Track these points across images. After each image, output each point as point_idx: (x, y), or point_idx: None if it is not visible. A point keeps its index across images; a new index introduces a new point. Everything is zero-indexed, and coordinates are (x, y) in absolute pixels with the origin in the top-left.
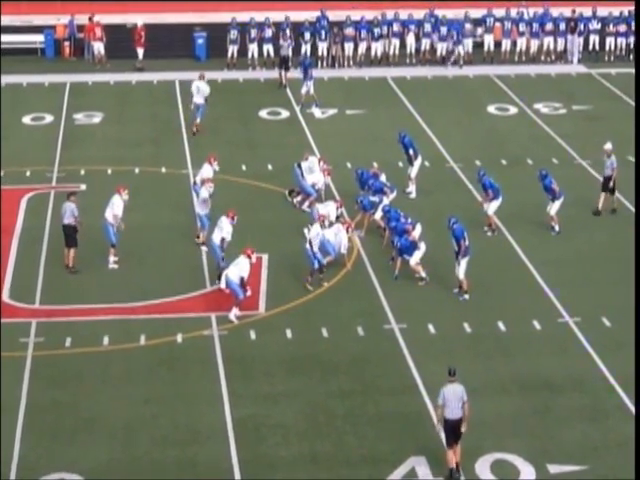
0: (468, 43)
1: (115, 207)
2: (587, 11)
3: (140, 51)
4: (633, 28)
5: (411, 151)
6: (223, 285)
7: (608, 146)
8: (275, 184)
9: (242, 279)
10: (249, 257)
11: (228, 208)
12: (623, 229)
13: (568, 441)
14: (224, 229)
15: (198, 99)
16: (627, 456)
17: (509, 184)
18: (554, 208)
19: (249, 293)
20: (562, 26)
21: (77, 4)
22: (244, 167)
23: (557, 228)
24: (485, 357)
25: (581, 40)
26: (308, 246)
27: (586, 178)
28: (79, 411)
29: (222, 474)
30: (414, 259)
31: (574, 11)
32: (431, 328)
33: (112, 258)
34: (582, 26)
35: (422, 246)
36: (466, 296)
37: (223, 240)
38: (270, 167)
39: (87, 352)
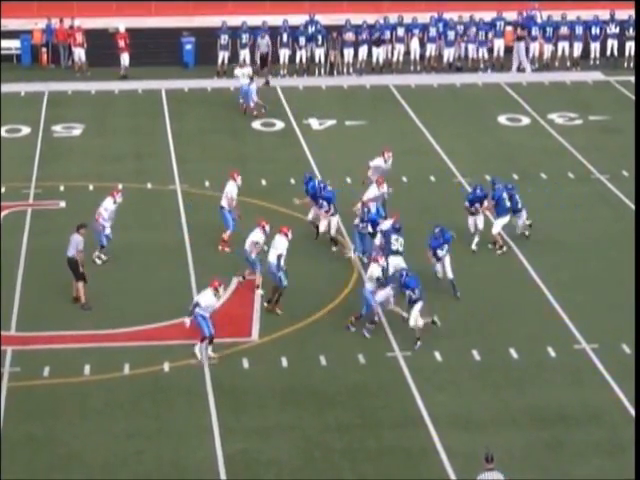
0: (483, 49)
1: (103, 210)
2: (604, 14)
3: (125, 57)
4: None
5: (324, 204)
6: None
7: None
8: (269, 201)
9: (207, 316)
10: (216, 290)
11: (218, 227)
12: None
13: (583, 476)
14: (279, 247)
15: (244, 80)
16: None
17: (521, 200)
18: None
19: (213, 331)
20: (579, 30)
21: (55, 4)
22: None
23: (498, 249)
24: (495, 387)
25: (597, 45)
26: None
27: (604, 193)
28: (56, 447)
29: None
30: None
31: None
32: (437, 356)
33: (97, 253)
34: (598, 30)
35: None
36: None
37: (280, 257)
38: (264, 182)
39: (66, 382)
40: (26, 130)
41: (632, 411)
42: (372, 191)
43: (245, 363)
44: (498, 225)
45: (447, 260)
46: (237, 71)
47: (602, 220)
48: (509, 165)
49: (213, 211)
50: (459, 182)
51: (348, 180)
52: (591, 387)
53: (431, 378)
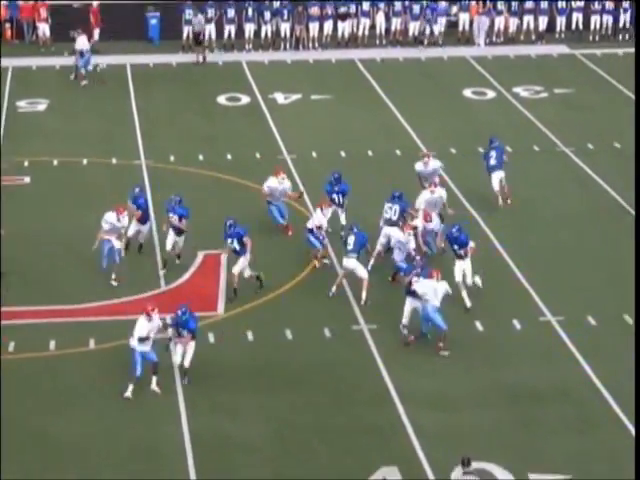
0: (442, 22)
1: (104, 222)
2: None
3: (96, 32)
4: (623, 5)
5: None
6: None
7: None
8: (235, 175)
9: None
10: (148, 316)
11: (185, 201)
12: (611, 225)
13: (552, 452)
14: (315, 219)
15: (84, 47)
16: (616, 467)
17: (486, 174)
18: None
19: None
20: (544, 4)
21: None
22: (201, 157)
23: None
24: (463, 362)
25: (563, 19)
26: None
27: (570, 167)
28: (24, 426)
29: None
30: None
31: None
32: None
33: (113, 276)
34: (564, 3)
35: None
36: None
37: (318, 228)
38: (229, 157)
39: (32, 357)
40: None
41: (600, 386)
42: (423, 196)
43: (211, 338)
44: (495, 180)
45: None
46: (78, 39)
47: (568, 193)
48: (474, 138)
49: (177, 185)
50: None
51: (314, 154)
52: (558, 361)
53: (399, 353)
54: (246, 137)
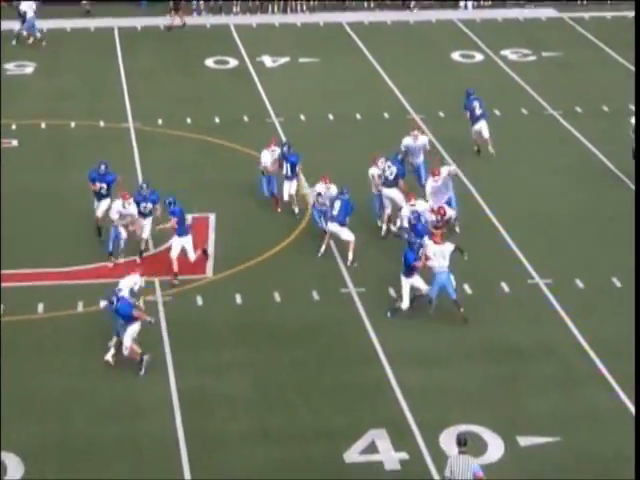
0: None
1: (113, 212)
2: None
3: None
4: None
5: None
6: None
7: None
8: (223, 138)
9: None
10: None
11: (173, 164)
12: (599, 188)
13: (538, 412)
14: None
15: (29, 13)
16: (601, 427)
17: (470, 124)
18: None
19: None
20: None
21: None
22: (189, 120)
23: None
24: (450, 322)
25: None
26: None
27: (557, 130)
28: (11, 385)
29: (166, 451)
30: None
31: None
32: (392, 292)
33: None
34: None
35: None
36: None
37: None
38: (217, 120)
39: (20, 320)
40: None
41: (586, 346)
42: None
43: (199, 300)
44: (485, 130)
45: None
46: (23, 4)
47: (556, 156)
48: (462, 101)
49: (166, 148)
50: (412, 119)
51: (302, 117)
52: (545, 322)
53: (385, 314)
54: (234, 100)
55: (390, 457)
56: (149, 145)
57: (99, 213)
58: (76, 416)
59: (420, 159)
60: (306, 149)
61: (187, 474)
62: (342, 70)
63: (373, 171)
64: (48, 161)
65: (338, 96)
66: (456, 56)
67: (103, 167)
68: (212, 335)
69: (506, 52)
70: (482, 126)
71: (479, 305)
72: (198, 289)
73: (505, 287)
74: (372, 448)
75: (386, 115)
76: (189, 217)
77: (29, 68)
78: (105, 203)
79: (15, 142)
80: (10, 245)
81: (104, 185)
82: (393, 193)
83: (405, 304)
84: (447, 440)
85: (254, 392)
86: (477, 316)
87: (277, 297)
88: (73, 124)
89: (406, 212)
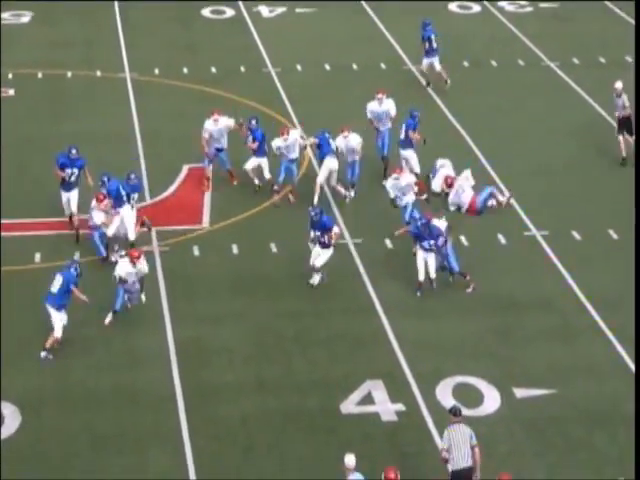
0: None
1: (94, 217)
2: None
3: None
4: None
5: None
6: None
7: (618, 85)
8: (219, 88)
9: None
10: (132, 262)
11: (170, 114)
12: (597, 140)
13: (535, 364)
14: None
15: None
16: (597, 379)
17: (471, 87)
18: None
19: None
20: None
21: None
22: (185, 70)
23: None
24: (445, 274)
25: None
26: None
27: (554, 80)
28: (7, 334)
29: (163, 401)
30: None
31: None
32: (388, 243)
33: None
34: None
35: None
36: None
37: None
38: (214, 70)
39: (17, 270)
40: None
41: (582, 298)
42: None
43: (196, 251)
44: (437, 63)
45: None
46: None
47: (553, 107)
48: (460, 52)
49: (162, 98)
50: (409, 69)
51: (298, 67)
52: (542, 274)
53: (382, 266)
54: (231, 50)
55: (386, 408)
56: (146, 95)
57: (74, 207)
58: (73, 366)
59: (386, 126)
60: (302, 99)
61: (184, 423)
62: (339, 20)
63: (339, 142)
64: (44, 110)
65: (335, 46)
66: (453, 7)
67: (74, 151)
68: (209, 286)
69: (503, 3)
70: (434, 60)
71: (475, 257)
72: (195, 239)
73: (502, 239)
74: (368, 399)
75: (383, 66)
76: (185, 168)
77: (25, 17)
78: (75, 194)
79: (12, 91)
80: (6, 194)
81: (75, 171)
82: (408, 154)
83: (421, 276)
84: (443, 392)
85: (250, 342)
86: (474, 268)
87: (274, 248)
88: (70, 74)
89: (389, 185)
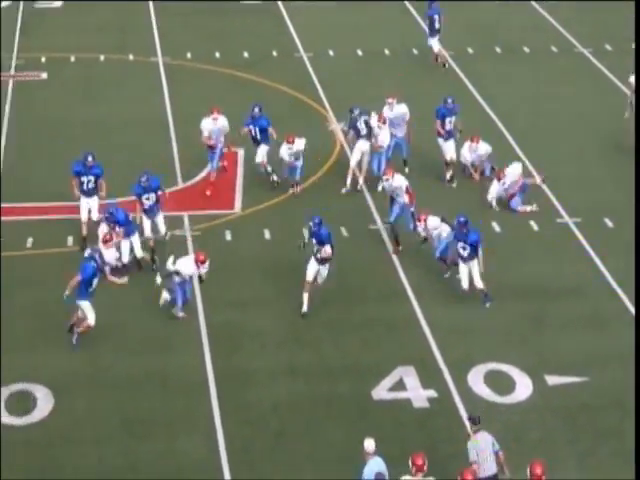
0: None
1: (106, 256)
2: None
3: None
4: None
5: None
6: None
7: (631, 79)
8: (252, 73)
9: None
10: (197, 265)
11: (202, 98)
12: (627, 127)
13: (567, 351)
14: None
15: None
16: (629, 367)
17: (503, 74)
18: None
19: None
20: None
21: None
22: (218, 55)
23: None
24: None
25: None
26: None
27: (587, 67)
28: (41, 317)
29: (195, 386)
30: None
31: None
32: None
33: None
34: None
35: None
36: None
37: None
38: (246, 55)
39: (48, 253)
40: (6, 2)
41: (615, 285)
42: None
43: (228, 235)
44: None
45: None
46: None
47: (586, 94)
48: (492, 40)
49: (194, 82)
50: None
51: (330, 53)
52: (574, 261)
53: (413, 252)
54: (263, 35)
55: (418, 395)
56: (178, 79)
57: (94, 215)
58: (105, 350)
59: (402, 132)
60: (334, 83)
61: (215, 408)
62: (372, 6)
63: (282, 151)
64: (77, 94)
65: (367, 32)
66: None
67: (90, 158)
68: (241, 271)
69: None
70: (434, 42)
71: (507, 244)
72: (227, 224)
73: (534, 225)
74: (400, 385)
75: (415, 51)
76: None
77: (58, 2)
78: (96, 201)
79: (44, 75)
80: (14, 181)
81: (91, 178)
82: (449, 147)
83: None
84: (475, 379)
85: (282, 328)
86: (504, 255)
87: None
88: (102, 57)
89: (381, 187)
